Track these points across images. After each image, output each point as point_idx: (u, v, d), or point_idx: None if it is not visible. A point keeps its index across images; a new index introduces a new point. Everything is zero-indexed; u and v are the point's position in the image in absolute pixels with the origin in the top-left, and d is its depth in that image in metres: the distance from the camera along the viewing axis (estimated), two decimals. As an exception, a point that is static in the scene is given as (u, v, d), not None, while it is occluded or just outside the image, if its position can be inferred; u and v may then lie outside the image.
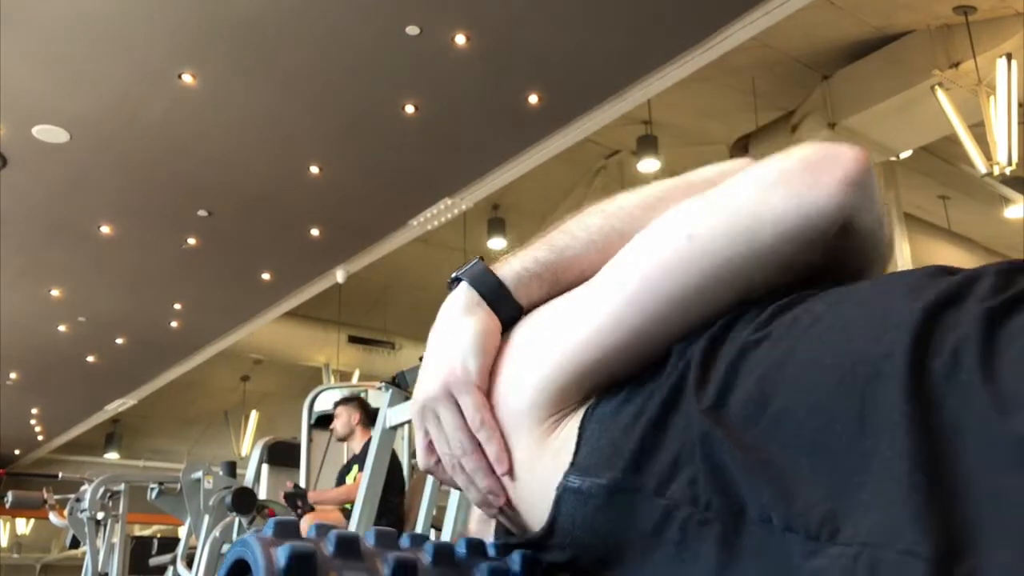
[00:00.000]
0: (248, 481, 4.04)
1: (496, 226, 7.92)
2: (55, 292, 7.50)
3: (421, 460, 0.67)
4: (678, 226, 0.58)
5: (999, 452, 0.39)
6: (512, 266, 0.66)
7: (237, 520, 3.23)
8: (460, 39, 4.52)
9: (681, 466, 0.51)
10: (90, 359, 9.11)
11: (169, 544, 5.13)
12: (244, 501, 3.24)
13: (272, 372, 11.33)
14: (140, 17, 4.32)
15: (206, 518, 3.33)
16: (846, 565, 0.41)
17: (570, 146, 5.67)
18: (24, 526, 16.15)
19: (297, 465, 4.71)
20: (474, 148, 5.62)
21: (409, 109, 5.11)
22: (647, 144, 6.59)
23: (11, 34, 4.36)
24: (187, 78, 4.77)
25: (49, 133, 5.19)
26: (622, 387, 0.58)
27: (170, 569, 4.08)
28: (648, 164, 6.70)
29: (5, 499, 4.04)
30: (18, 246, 6.59)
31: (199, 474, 3.47)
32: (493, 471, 0.61)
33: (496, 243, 7.99)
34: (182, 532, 3.90)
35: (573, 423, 0.58)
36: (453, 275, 0.67)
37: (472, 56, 4.67)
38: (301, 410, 4.91)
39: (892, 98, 5.73)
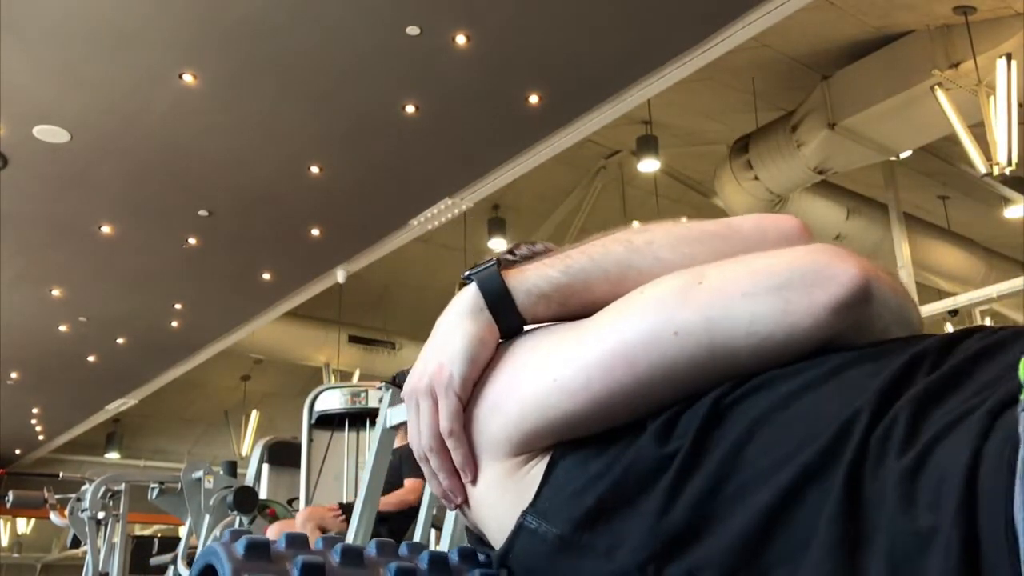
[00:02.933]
0: (249, 481, 4.05)
1: (496, 226, 7.92)
2: (56, 292, 7.50)
3: (410, 440, 0.69)
4: (669, 315, 0.58)
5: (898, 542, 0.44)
6: (525, 280, 0.66)
7: (238, 519, 3.24)
8: (460, 39, 4.53)
9: (631, 536, 0.54)
10: (91, 359, 9.12)
11: (170, 544, 5.13)
12: (246, 500, 3.25)
13: (272, 372, 11.33)
14: (141, 17, 4.32)
15: (206, 517, 3.34)
16: None
17: (570, 146, 5.67)
18: (25, 526, 16.14)
19: (298, 465, 4.71)
20: (474, 148, 5.62)
21: (409, 109, 5.12)
22: (647, 144, 6.59)
23: (11, 34, 4.37)
24: (188, 78, 4.77)
25: (50, 133, 5.20)
26: (591, 442, 0.60)
27: (171, 569, 4.09)
28: (648, 164, 6.71)
29: (6, 499, 4.05)
30: (19, 246, 6.59)
31: (199, 474, 3.48)
32: (456, 474, 0.64)
33: (496, 243, 7.99)
34: (183, 532, 3.90)
35: (541, 465, 0.61)
36: (466, 273, 0.68)
37: (472, 56, 4.67)
38: (302, 410, 4.91)
39: (892, 98, 5.73)
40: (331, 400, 4.63)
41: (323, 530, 2.70)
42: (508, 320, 0.66)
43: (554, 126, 5.36)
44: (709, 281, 0.59)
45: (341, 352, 9.97)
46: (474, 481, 0.63)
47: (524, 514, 0.59)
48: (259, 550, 0.56)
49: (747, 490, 0.50)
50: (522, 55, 4.72)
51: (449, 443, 0.63)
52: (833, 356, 0.56)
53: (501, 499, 0.61)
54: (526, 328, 0.67)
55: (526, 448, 0.61)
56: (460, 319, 0.66)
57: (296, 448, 4.84)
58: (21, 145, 5.30)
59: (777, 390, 0.55)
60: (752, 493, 0.50)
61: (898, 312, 0.60)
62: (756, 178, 6.51)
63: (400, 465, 3.92)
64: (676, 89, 5.23)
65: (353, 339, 10.07)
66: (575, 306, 0.65)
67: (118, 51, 4.57)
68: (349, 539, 1.97)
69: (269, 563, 0.56)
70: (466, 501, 0.64)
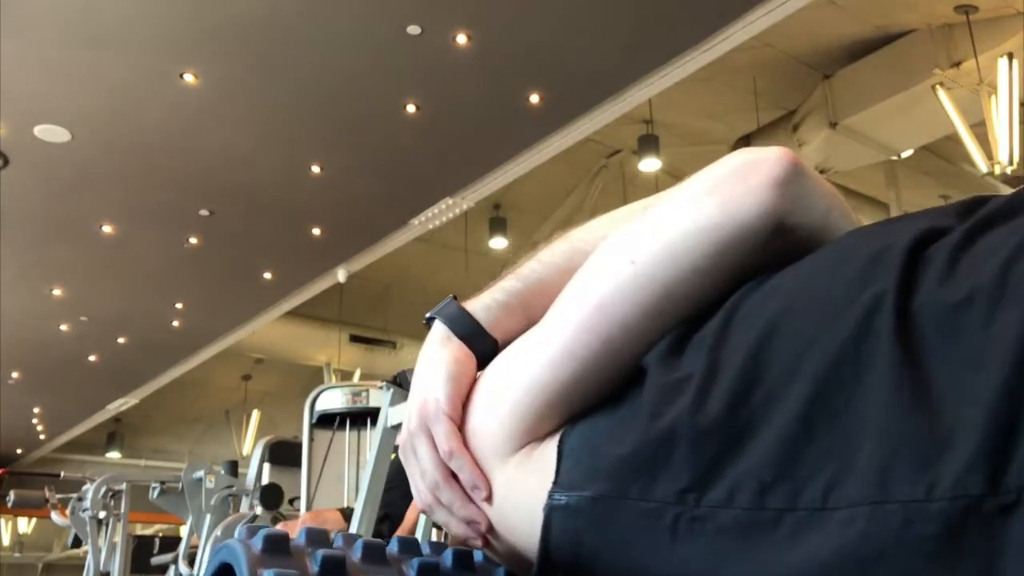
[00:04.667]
0: (250, 480, 4.04)
1: (497, 225, 7.92)
2: (56, 291, 7.50)
3: (416, 497, 0.66)
4: (620, 251, 0.59)
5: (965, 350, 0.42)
6: (482, 300, 0.68)
7: (240, 520, 3.24)
8: (461, 39, 4.52)
9: (666, 467, 0.51)
10: (91, 358, 9.12)
11: (171, 543, 5.13)
12: (271, 497, 3.28)
13: (273, 371, 11.33)
14: (142, 17, 4.32)
15: (208, 517, 3.34)
16: (856, 525, 0.42)
17: (571, 146, 5.66)
18: (26, 525, 16.15)
19: (299, 464, 4.71)
20: (475, 147, 5.62)
21: (410, 109, 5.12)
22: (648, 144, 6.58)
23: (12, 34, 4.37)
24: (189, 78, 4.77)
25: (50, 132, 5.20)
26: (597, 408, 0.58)
27: (172, 568, 4.08)
28: (649, 164, 6.70)
29: (7, 498, 4.05)
30: (20, 245, 6.59)
31: (201, 473, 3.48)
32: (470, 499, 0.61)
33: (497, 242, 7.99)
34: (184, 531, 3.90)
35: (552, 443, 0.58)
36: (427, 315, 0.69)
37: (473, 56, 4.67)
38: (302, 409, 4.90)
39: (893, 97, 5.72)
40: (332, 400, 4.63)
41: None
42: (479, 340, 0.66)
43: (555, 125, 5.35)
44: (648, 211, 0.61)
45: (342, 351, 9.97)
46: (489, 497, 0.60)
47: (550, 495, 0.56)
48: (278, 544, 0.55)
49: (777, 389, 0.48)
50: (523, 54, 4.72)
51: (453, 464, 0.61)
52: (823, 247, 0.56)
53: (522, 495, 0.58)
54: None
55: (529, 437, 0.59)
56: (432, 353, 0.66)
57: (297, 447, 4.83)
58: (21, 145, 5.30)
59: (773, 283, 0.55)
60: (783, 391, 0.47)
61: (834, 198, 0.61)
62: (757, 177, 6.49)
63: (402, 464, 3.91)
64: (677, 88, 5.23)
65: (354, 339, 10.07)
66: (538, 307, 0.65)
67: (119, 51, 4.56)
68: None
69: (288, 558, 0.54)
70: (490, 528, 0.61)
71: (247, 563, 0.53)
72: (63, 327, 8.27)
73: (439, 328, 0.67)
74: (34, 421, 11.35)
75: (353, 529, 2.32)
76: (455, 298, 0.69)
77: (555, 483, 0.56)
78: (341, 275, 7.22)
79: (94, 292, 7.60)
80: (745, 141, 6.60)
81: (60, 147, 5.34)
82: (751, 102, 6.33)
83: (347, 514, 3.00)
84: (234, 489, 3.49)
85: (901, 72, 5.65)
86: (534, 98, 5.04)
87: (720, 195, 0.58)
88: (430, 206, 6.24)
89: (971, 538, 0.39)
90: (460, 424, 0.62)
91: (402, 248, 6.98)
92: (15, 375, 9.60)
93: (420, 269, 8.64)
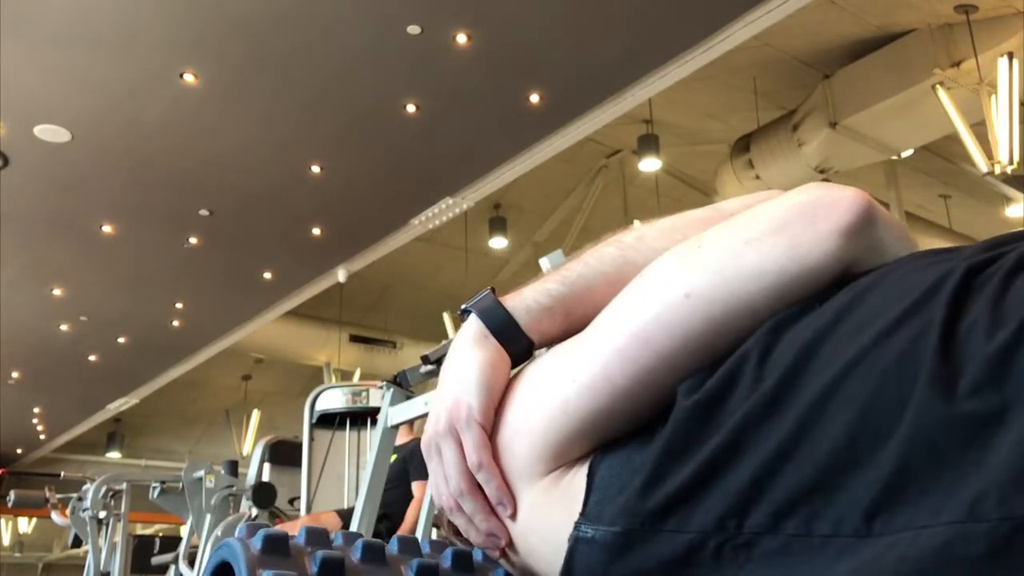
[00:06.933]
0: (250, 480, 4.05)
1: (497, 225, 7.92)
2: (57, 291, 7.50)
3: (435, 496, 0.64)
4: (675, 282, 0.57)
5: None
6: (524, 299, 0.65)
7: (240, 519, 3.24)
8: (461, 38, 4.52)
9: (702, 498, 0.50)
10: (92, 358, 9.12)
11: (171, 543, 5.13)
12: (263, 496, 3.27)
13: (273, 371, 11.33)
14: (142, 17, 4.32)
15: (208, 517, 3.34)
16: (894, 548, 0.42)
17: (571, 145, 5.66)
18: (26, 525, 16.15)
19: (299, 464, 4.71)
20: (475, 147, 5.62)
21: (410, 108, 5.11)
22: (648, 143, 6.58)
23: (12, 34, 4.37)
24: (188, 78, 4.77)
25: (50, 133, 5.20)
26: (629, 438, 0.57)
27: (172, 568, 4.08)
28: (649, 163, 6.70)
29: (7, 498, 4.05)
30: (20, 245, 6.59)
31: (201, 473, 3.48)
32: (494, 512, 0.60)
33: (497, 242, 8.00)
34: (184, 531, 3.90)
35: (581, 472, 0.57)
36: (463, 306, 0.67)
37: (473, 56, 4.67)
38: (303, 409, 4.90)
39: (893, 97, 5.72)
40: (332, 399, 4.63)
41: None
42: (515, 342, 0.64)
43: (555, 125, 5.35)
44: (708, 241, 0.58)
45: (342, 351, 9.97)
46: (514, 514, 0.59)
47: (576, 526, 0.54)
48: (277, 544, 0.55)
49: (818, 411, 0.47)
50: (523, 54, 4.72)
51: (480, 477, 0.60)
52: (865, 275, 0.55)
53: (547, 520, 0.57)
54: (536, 353, 0.65)
55: (559, 461, 0.58)
56: (467, 350, 0.64)
57: (297, 447, 4.83)
58: (22, 145, 5.30)
59: (818, 311, 0.53)
60: (822, 412, 0.47)
61: (904, 239, 0.59)
62: (757, 177, 6.51)
63: (403, 464, 3.91)
64: (677, 88, 5.23)
65: (354, 338, 10.07)
66: (580, 315, 0.63)
67: (119, 51, 4.56)
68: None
69: (287, 559, 0.54)
70: (510, 543, 0.60)
71: (246, 563, 0.53)
72: (63, 327, 8.27)
73: (475, 325, 0.65)
74: (34, 421, 11.35)
75: (353, 528, 2.31)
76: (493, 291, 0.66)
77: (582, 514, 0.55)
78: (341, 275, 7.22)
79: (94, 292, 7.60)
80: (745, 141, 6.60)
81: (60, 147, 5.34)
82: (751, 102, 6.33)
83: (344, 515, 3.00)
84: (234, 489, 3.49)
85: (901, 72, 5.64)
86: (534, 98, 5.04)
87: (788, 238, 0.55)
88: (430, 206, 6.24)
89: (1017, 556, 0.38)
90: (490, 434, 0.61)
91: (402, 248, 6.98)
92: (15, 375, 9.61)
93: (420, 269, 8.65)
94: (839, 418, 0.46)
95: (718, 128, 6.80)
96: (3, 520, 16.06)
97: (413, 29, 4.44)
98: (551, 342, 0.64)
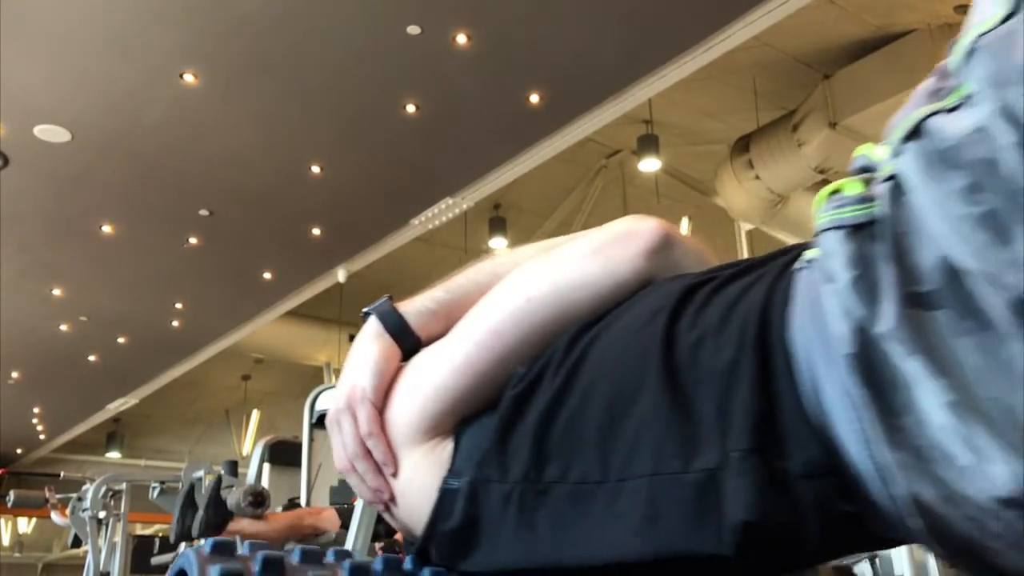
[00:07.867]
0: (250, 480, 4.05)
1: (497, 225, 7.92)
2: (56, 291, 7.50)
3: (336, 461, 0.79)
4: (520, 288, 0.74)
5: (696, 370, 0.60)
6: (415, 304, 0.80)
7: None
8: (461, 39, 4.53)
9: (515, 456, 0.66)
10: (91, 358, 9.12)
11: (171, 543, 5.13)
12: (257, 499, 3.25)
13: (273, 371, 11.33)
14: (142, 16, 4.32)
15: (208, 517, 3.33)
16: (639, 491, 0.59)
17: (571, 145, 5.67)
18: (26, 525, 16.16)
19: (299, 464, 4.71)
20: (475, 147, 5.62)
21: (410, 108, 5.12)
22: (648, 143, 6.59)
23: (12, 34, 4.37)
24: (188, 78, 4.77)
25: (50, 132, 5.20)
26: (484, 413, 0.71)
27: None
28: (649, 163, 6.71)
29: (7, 498, 4.05)
30: (20, 245, 6.59)
31: (201, 473, 3.47)
32: (380, 472, 0.74)
33: (497, 242, 7.99)
34: (183, 531, 3.90)
35: (450, 440, 0.72)
36: (364, 310, 0.81)
37: (473, 56, 4.67)
38: (302, 409, 4.90)
39: (893, 97, 5.72)
40: (332, 399, 4.63)
41: (301, 535, 2.71)
42: (407, 339, 0.77)
43: (555, 125, 5.36)
44: (548, 257, 0.76)
45: (342, 351, 9.96)
46: (395, 473, 0.73)
47: (444, 480, 0.69)
48: (224, 548, 0.64)
49: (590, 392, 0.64)
50: (523, 54, 4.72)
51: (369, 443, 0.73)
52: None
53: (425, 479, 0.71)
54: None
55: (435, 431, 0.72)
56: (366, 345, 0.77)
57: (297, 448, 4.83)
58: (21, 145, 5.30)
59: (605, 320, 0.70)
60: (595, 391, 0.64)
61: (698, 258, 0.77)
62: (757, 177, 6.51)
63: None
64: (677, 88, 5.23)
65: (354, 339, 10.07)
66: (459, 317, 0.76)
67: (119, 51, 4.57)
68: (349, 540, 1.96)
69: (232, 559, 0.64)
70: (393, 499, 0.74)
71: (197, 563, 0.62)
72: (63, 327, 8.27)
73: (374, 323, 0.79)
74: (34, 421, 11.35)
75: (353, 528, 2.32)
76: (390, 298, 0.81)
77: (450, 471, 0.70)
78: (341, 275, 7.23)
79: (94, 292, 7.60)
80: (745, 141, 6.61)
81: (60, 147, 5.34)
82: (751, 102, 6.33)
83: (343, 513, 3.00)
84: (234, 489, 3.48)
85: (901, 72, 5.64)
86: (534, 98, 5.05)
87: (605, 257, 0.73)
88: (430, 206, 6.24)
89: (710, 499, 0.56)
90: (380, 410, 0.74)
91: (402, 248, 6.98)
92: (15, 375, 9.61)
93: (420, 269, 8.63)
94: (604, 392, 0.63)
95: (718, 128, 6.81)
96: (3, 520, 16.06)
97: (413, 29, 4.44)
98: (437, 339, 0.77)
